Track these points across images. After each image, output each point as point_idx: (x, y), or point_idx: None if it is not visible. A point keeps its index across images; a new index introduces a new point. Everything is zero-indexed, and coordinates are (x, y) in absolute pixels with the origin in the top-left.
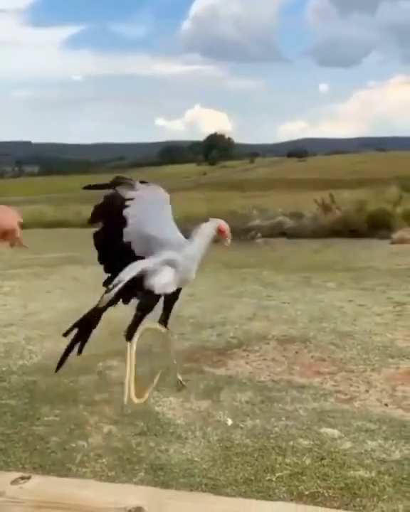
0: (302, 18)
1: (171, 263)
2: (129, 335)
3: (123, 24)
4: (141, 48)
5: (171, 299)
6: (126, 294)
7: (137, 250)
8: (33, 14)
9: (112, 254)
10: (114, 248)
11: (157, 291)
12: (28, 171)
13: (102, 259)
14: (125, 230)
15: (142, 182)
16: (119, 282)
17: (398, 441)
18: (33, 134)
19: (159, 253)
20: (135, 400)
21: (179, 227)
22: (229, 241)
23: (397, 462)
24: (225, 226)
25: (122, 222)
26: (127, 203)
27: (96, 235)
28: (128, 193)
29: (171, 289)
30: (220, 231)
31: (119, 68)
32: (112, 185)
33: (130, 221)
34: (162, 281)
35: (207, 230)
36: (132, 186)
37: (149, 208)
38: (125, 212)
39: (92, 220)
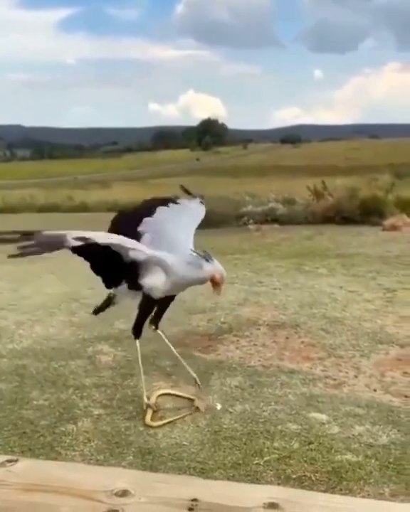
0: (297, 3)
1: (162, 264)
2: (136, 332)
3: (116, 7)
4: (134, 31)
5: (164, 303)
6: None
7: (146, 238)
8: None
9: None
10: (129, 233)
11: (145, 292)
12: (20, 155)
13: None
14: (145, 219)
15: (200, 197)
16: (89, 239)
17: (386, 426)
18: (25, 117)
19: (159, 250)
20: (152, 424)
21: None
22: (219, 292)
23: (384, 447)
24: (219, 278)
25: (150, 214)
26: (169, 204)
27: (117, 218)
28: (176, 201)
29: (156, 294)
30: (213, 280)
31: (112, 52)
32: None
33: (156, 215)
34: (151, 283)
35: (206, 270)
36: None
37: (177, 214)
38: (159, 208)
39: (142, 204)
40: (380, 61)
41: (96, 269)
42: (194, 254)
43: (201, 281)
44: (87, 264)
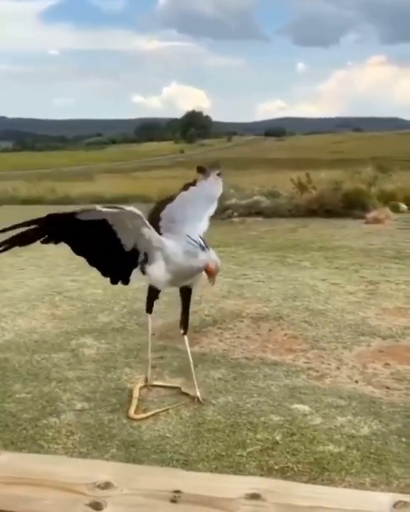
0: None
1: (163, 251)
2: (147, 309)
3: None
4: (118, 22)
5: (184, 296)
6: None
7: (162, 224)
8: None
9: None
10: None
11: (150, 282)
12: (3, 146)
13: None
14: (167, 206)
15: (218, 174)
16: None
17: (367, 417)
18: (8, 108)
19: (167, 236)
20: (135, 417)
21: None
22: (213, 282)
23: (365, 437)
24: (213, 268)
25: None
26: (190, 187)
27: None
28: (198, 180)
29: (159, 286)
30: (207, 270)
31: (96, 43)
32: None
33: (175, 201)
34: (151, 272)
35: (200, 260)
36: (206, 175)
37: (192, 198)
38: (180, 194)
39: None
40: (363, 55)
41: (96, 259)
42: (192, 242)
43: (199, 271)
44: (66, 256)
